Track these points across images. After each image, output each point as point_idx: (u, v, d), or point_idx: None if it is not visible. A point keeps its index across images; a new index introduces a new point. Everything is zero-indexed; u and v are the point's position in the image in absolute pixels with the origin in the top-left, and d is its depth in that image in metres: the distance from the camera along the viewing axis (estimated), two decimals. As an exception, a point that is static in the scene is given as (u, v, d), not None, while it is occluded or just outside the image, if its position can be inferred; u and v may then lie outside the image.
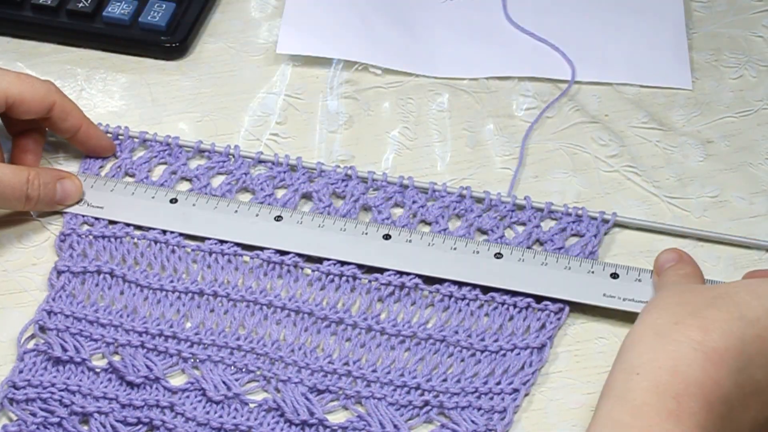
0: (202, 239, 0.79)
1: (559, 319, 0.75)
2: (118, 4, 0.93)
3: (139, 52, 0.93)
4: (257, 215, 0.80)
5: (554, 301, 0.75)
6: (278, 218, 0.79)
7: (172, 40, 0.92)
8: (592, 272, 0.76)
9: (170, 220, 0.80)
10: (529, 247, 0.79)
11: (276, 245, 0.78)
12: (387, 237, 0.78)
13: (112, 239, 0.79)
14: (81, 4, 0.93)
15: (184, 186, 0.83)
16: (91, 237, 0.79)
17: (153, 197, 0.81)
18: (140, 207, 0.80)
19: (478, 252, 0.77)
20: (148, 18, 0.92)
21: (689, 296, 0.63)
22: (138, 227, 0.79)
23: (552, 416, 0.72)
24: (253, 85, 0.91)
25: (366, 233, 0.78)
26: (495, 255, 0.77)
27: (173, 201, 0.81)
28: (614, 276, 0.76)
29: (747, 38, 0.94)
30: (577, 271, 0.76)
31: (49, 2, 0.93)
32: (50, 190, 0.79)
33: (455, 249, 0.77)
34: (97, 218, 0.80)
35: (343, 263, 0.77)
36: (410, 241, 0.78)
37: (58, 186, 0.79)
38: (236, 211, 0.80)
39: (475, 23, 0.95)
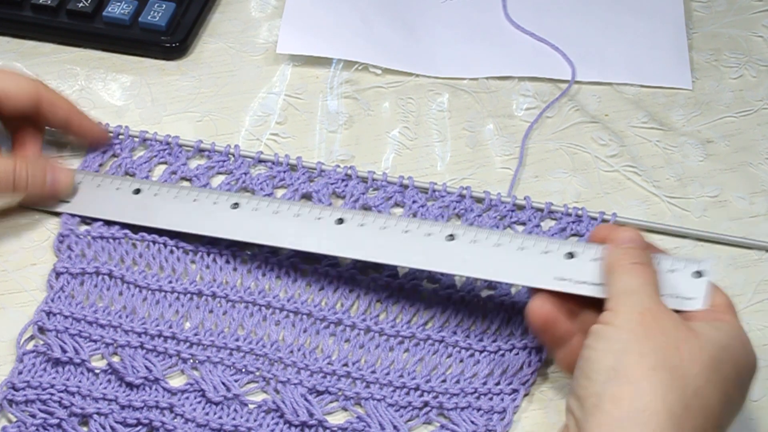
0: (200, 238, 0.79)
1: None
2: (118, 4, 0.93)
3: (139, 52, 0.93)
4: (215, 203, 0.79)
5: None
6: (235, 206, 0.78)
7: (172, 40, 0.92)
8: (547, 252, 0.72)
9: (132, 213, 0.79)
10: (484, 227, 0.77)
11: (229, 235, 0.77)
12: (340, 221, 0.76)
13: (111, 240, 0.79)
14: (81, 4, 0.93)
15: (184, 186, 0.83)
16: (89, 238, 0.79)
17: (118, 188, 0.81)
18: (104, 199, 0.80)
19: (430, 234, 0.74)
20: (148, 18, 0.92)
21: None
22: (127, 226, 0.79)
23: (552, 416, 0.72)
24: (253, 85, 0.91)
25: (320, 218, 0.77)
26: (447, 237, 0.74)
27: (136, 192, 0.80)
28: (570, 255, 0.71)
29: (747, 38, 0.94)
30: (530, 251, 0.72)
31: (49, 2, 0.93)
32: (39, 180, 0.79)
33: (407, 232, 0.75)
34: (71, 214, 0.80)
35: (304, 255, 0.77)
36: (363, 225, 0.76)
37: (48, 177, 0.79)
38: (195, 200, 0.79)
39: (475, 23, 0.95)
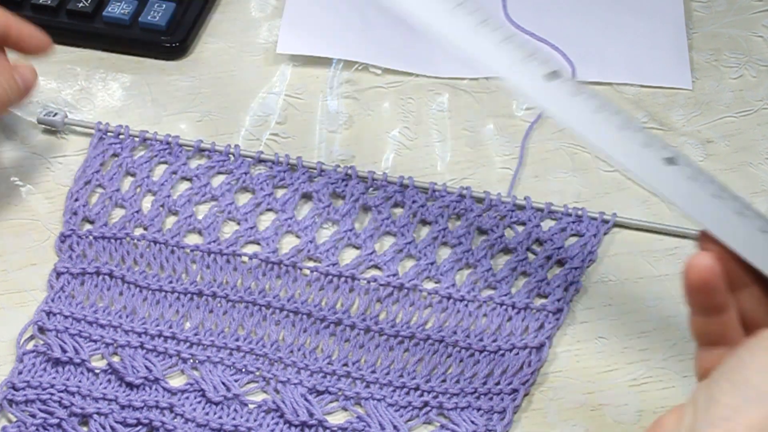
0: (201, 239, 0.79)
1: (557, 319, 0.75)
2: (118, 4, 0.93)
3: (139, 52, 0.93)
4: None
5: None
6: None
7: (172, 40, 0.92)
8: None
9: None
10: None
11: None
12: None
13: (112, 240, 0.79)
14: (81, 4, 0.93)
15: (184, 185, 0.83)
16: (91, 238, 0.79)
17: None
18: None
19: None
20: (148, 18, 0.92)
21: None
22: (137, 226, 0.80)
23: (552, 416, 0.72)
24: (253, 85, 0.91)
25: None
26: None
27: None
28: None
29: (747, 38, 0.94)
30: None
31: (49, 2, 0.93)
32: (13, 85, 0.78)
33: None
34: (74, 213, 0.80)
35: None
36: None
37: (18, 79, 0.79)
38: None
39: (475, 23, 0.95)
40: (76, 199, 0.81)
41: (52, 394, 0.71)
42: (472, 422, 0.71)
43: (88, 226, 0.80)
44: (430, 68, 0.92)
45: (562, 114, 0.62)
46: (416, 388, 0.72)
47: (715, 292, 0.57)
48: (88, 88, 0.90)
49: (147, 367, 0.73)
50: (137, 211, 0.81)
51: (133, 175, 0.84)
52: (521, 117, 0.89)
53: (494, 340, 0.74)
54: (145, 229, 0.80)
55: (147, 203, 0.82)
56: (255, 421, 0.71)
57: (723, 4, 0.97)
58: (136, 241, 0.79)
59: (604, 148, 0.61)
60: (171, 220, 0.81)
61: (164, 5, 0.93)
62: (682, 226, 0.81)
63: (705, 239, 0.58)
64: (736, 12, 0.96)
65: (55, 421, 0.70)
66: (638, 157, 0.60)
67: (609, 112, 0.61)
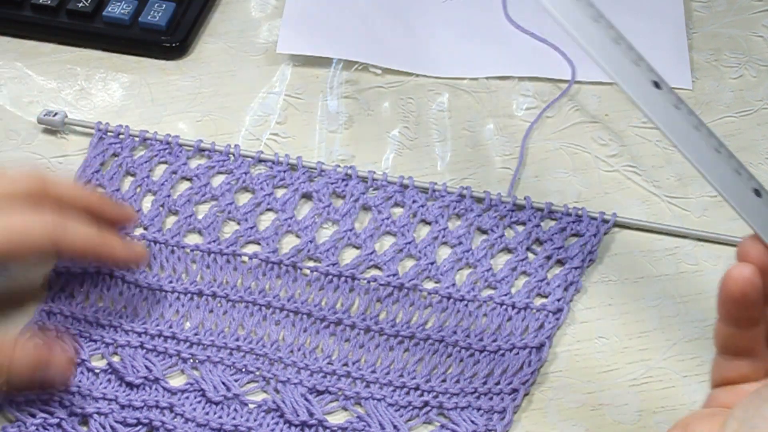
0: (200, 239, 0.79)
1: (557, 319, 0.75)
2: (118, 3, 0.93)
3: (139, 52, 0.93)
4: None
5: None
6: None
7: (172, 40, 0.92)
8: None
9: None
10: None
11: None
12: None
13: (112, 240, 0.79)
14: (81, 4, 0.93)
15: (184, 185, 0.83)
16: (91, 237, 0.79)
17: None
18: None
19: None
20: (148, 18, 0.92)
21: None
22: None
23: (552, 416, 0.72)
24: (253, 85, 0.91)
25: None
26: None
27: None
28: None
29: (747, 38, 0.94)
30: None
31: (49, 2, 0.93)
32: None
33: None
34: None
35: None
36: None
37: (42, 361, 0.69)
38: None
39: (475, 23, 0.95)
40: None
41: (51, 394, 0.71)
42: (472, 422, 0.71)
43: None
44: (430, 68, 0.92)
45: (667, 126, 0.60)
46: (416, 388, 0.72)
47: (752, 304, 0.56)
48: (88, 88, 0.90)
49: (147, 367, 0.73)
50: (137, 211, 0.81)
51: (133, 175, 0.84)
52: (521, 117, 0.89)
53: (494, 340, 0.74)
54: (145, 229, 0.80)
55: (147, 203, 0.82)
56: (255, 420, 0.71)
57: (723, 4, 0.97)
58: (136, 241, 0.79)
59: (699, 167, 0.60)
60: (171, 220, 0.81)
61: (164, 5, 0.93)
62: (682, 226, 0.81)
63: (747, 247, 0.57)
64: (736, 12, 0.96)
65: (54, 420, 0.70)
66: (730, 183, 0.59)
67: (706, 132, 0.61)
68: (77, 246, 0.72)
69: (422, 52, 0.93)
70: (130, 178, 0.84)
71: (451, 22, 0.95)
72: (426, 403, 0.72)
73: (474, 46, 0.93)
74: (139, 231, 0.80)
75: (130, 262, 0.76)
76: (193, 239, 0.80)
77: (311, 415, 0.71)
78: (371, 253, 0.79)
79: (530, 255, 0.79)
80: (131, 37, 0.93)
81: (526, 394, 0.72)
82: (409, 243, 0.79)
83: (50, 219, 0.70)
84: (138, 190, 0.82)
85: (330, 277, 0.77)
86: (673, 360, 0.74)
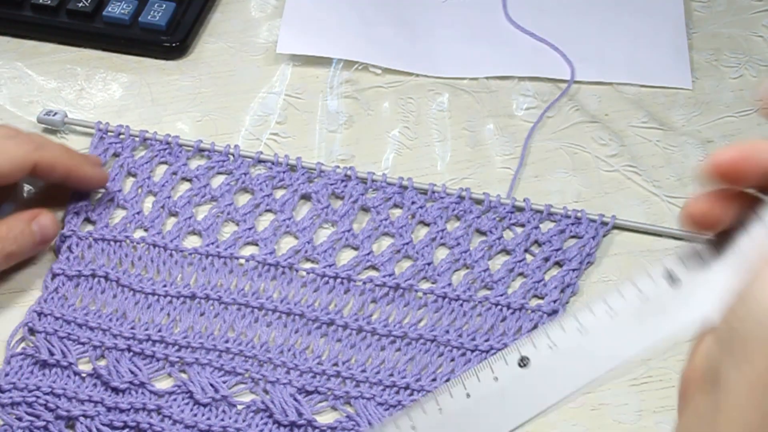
0: (199, 241, 0.79)
1: (552, 320, 0.75)
2: (118, 3, 0.93)
3: (139, 52, 0.93)
4: None
5: None
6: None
7: (172, 40, 0.92)
8: None
9: None
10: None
11: None
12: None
13: (112, 242, 0.79)
14: (81, 4, 0.93)
15: (184, 186, 0.83)
16: (91, 239, 0.79)
17: None
18: None
19: None
20: (148, 18, 0.92)
21: None
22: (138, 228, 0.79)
23: (552, 416, 0.72)
24: (253, 85, 0.91)
25: None
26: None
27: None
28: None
29: (747, 38, 0.94)
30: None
31: (49, 2, 0.93)
32: (27, 235, 0.76)
33: None
34: (75, 213, 0.80)
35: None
36: None
37: (34, 227, 0.76)
38: None
39: (475, 23, 0.95)
40: (78, 200, 0.81)
41: (38, 397, 0.71)
42: (468, 422, 0.71)
43: (89, 227, 0.80)
44: (430, 68, 0.92)
45: None
46: (406, 387, 0.72)
47: (743, 174, 0.48)
48: (88, 88, 0.90)
49: (132, 372, 0.72)
50: (138, 213, 0.81)
51: (134, 175, 0.83)
52: (521, 117, 0.89)
53: (486, 340, 0.74)
54: (146, 230, 0.80)
55: (148, 204, 0.82)
56: (244, 421, 0.71)
57: (723, 4, 0.97)
58: (135, 243, 0.79)
59: None
60: (171, 222, 0.81)
61: (164, 5, 0.93)
62: (681, 227, 0.81)
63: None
64: (736, 12, 0.96)
65: (41, 423, 0.70)
66: None
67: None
68: (52, 162, 0.77)
69: (422, 52, 0.93)
70: (131, 179, 0.83)
71: (451, 22, 0.95)
72: (417, 403, 0.72)
73: (474, 46, 0.93)
74: (139, 233, 0.80)
75: (95, 181, 0.81)
76: (192, 241, 0.80)
77: (300, 415, 0.71)
78: (368, 254, 0.79)
79: (528, 256, 0.79)
80: (131, 37, 0.92)
81: (525, 395, 0.72)
82: (407, 244, 0.79)
83: (27, 140, 0.77)
84: (139, 191, 0.82)
85: (326, 278, 0.77)
86: (673, 360, 0.74)
